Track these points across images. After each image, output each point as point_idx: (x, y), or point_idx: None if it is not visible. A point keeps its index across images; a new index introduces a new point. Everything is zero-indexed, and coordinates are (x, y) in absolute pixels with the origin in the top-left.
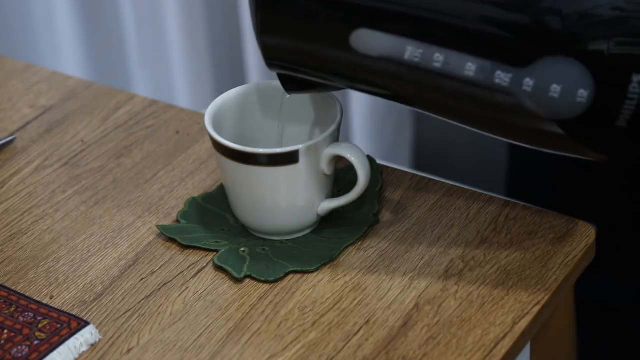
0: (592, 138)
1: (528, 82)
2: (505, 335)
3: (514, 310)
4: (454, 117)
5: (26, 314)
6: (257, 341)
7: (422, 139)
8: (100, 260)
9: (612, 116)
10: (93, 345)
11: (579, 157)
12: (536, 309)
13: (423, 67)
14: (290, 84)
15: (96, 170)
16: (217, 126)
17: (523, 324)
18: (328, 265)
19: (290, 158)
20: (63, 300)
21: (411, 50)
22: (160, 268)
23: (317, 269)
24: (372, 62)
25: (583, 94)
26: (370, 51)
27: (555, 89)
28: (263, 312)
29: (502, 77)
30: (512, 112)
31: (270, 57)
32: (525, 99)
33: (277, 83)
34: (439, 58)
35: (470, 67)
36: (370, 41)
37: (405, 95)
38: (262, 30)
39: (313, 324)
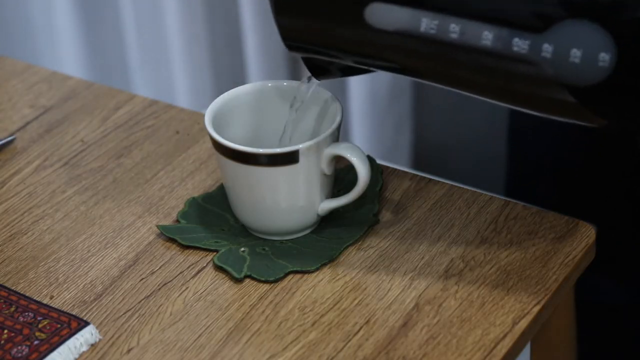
0: (614, 104)
1: (547, 48)
2: (505, 335)
3: (514, 310)
4: (471, 89)
5: (26, 314)
6: (257, 341)
7: (422, 138)
8: (100, 260)
9: (638, 80)
10: (93, 345)
11: (584, 123)
12: (536, 309)
13: (439, 39)
14: (317, 70)
15: (96, 170)
16: (217, 126)
17: (523, 324)
18: (328, 265)
19: (290, 158)
20: (63, 300)
21: (426, 22)
22: (160, 268)
23: (317, 269)
24: (388, 36)
25: (605, 58)
26: (385, 25)
27: (576, 53)
28: (263, 312)
29: (520, 45)
30: (531, 81)
31: (288, 38)
32: (545, 66)
33: (278, 83)
34: (455, 29)
35: (487, 35)
36: (384, 15)
37: (422, 69)
38: (278, 10)
39: (313, 324)
